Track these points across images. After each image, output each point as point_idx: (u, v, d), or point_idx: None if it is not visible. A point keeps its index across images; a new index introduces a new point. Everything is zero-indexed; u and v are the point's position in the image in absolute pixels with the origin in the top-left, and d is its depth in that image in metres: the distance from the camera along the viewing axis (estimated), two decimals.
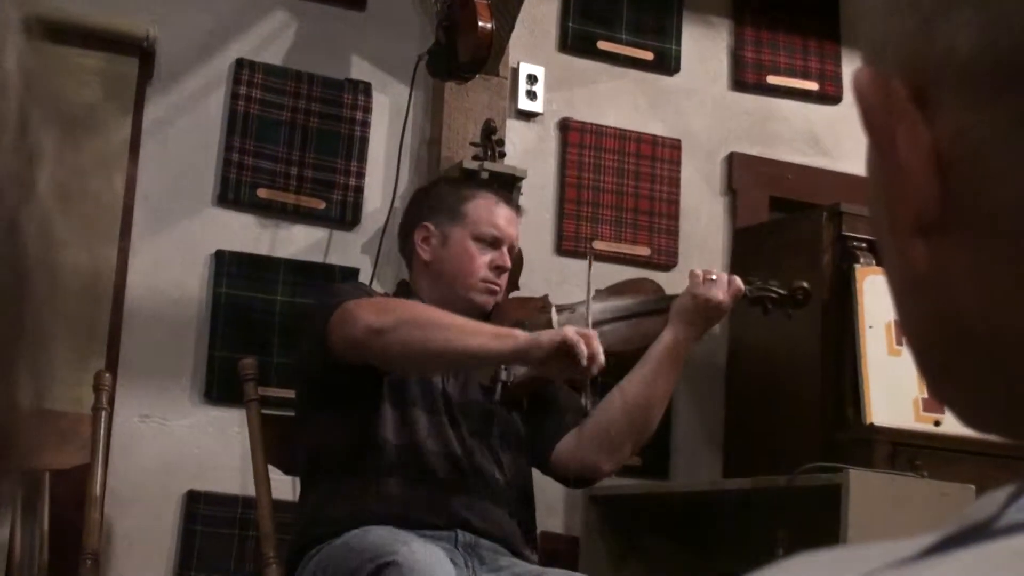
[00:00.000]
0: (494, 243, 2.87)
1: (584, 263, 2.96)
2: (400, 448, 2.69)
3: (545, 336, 2.53)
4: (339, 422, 2.72)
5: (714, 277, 2.79)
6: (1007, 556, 0.43)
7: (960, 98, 0.52)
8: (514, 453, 2.83)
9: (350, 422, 2.71)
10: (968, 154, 0.52)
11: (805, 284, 2.94)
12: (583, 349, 2.49)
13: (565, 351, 2.49)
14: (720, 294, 2.77)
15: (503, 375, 2.76)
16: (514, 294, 3.38)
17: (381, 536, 2.51)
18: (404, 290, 2.96)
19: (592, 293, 2.89)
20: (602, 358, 2.52)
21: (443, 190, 3.01)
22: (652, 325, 2.85)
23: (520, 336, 2.53)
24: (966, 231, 0.53)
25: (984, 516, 0.47)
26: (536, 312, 2.97)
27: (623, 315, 2.90)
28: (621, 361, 2.82)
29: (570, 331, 2.52)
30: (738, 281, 2.82)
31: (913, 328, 0.57)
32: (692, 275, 2.82)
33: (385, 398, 2.72)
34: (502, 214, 2.90)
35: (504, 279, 2.90)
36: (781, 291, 2.94)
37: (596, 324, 2.82)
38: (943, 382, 0.57)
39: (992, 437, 0.56)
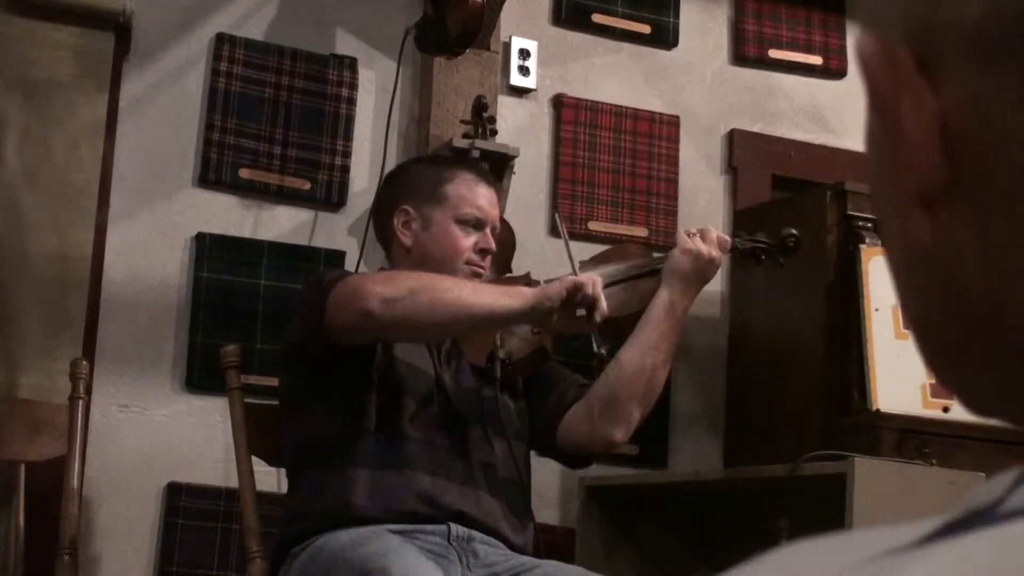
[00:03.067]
0: (477, 224, 2.87)
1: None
2: (389, 439, 2.70)
3: (552, 287, 2.62)
4: (326, 412, 2.72)
5: (696, 233, 2.84)
6: (1011, 541, 0.44)
7: (968, 66, 0.52)
8: (512, 440, 2.84)
9: (338, 412, 2.71)
10: (976, 122, 0.52)
11: (794, 231, 2.97)
12: (590, 290, 2.59)
13: (572, 297, 2.58)
14: (711, 249, 2.82)
15: (500, 353, 2.77)
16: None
17: (371, 549, 2.49)
18: None
19: (577, 264, 2.90)
20: (605, 305, 2.61)
21: (419, 170, 3.00)
22: (646, 287, 2.88)
23: (528, 291, 2.61)
24: (973, 202, 0.53)
25: (988, 500, 0.47)
26: None
27: (615, 280, 2.91)
28: (619, 326, 2.84)
29: (575, 276, 2.63)
30: (724, 235, 2.87)
31: (915, 307, 0.57)
32: (679, 234, 2.86)
33: (374, 387, 2.72)
34: (483, 194, 2.90)
35: (488, 261, 2.91)
36: (769, 240, 2.98)
37: None
38: (947, 365, 0.57)
39: (1000, 423, 0.56)
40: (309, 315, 2.65)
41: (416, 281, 2.61)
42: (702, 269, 2.84)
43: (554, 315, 2.60)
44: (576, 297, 2.59)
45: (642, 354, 2.81)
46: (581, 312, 2.60)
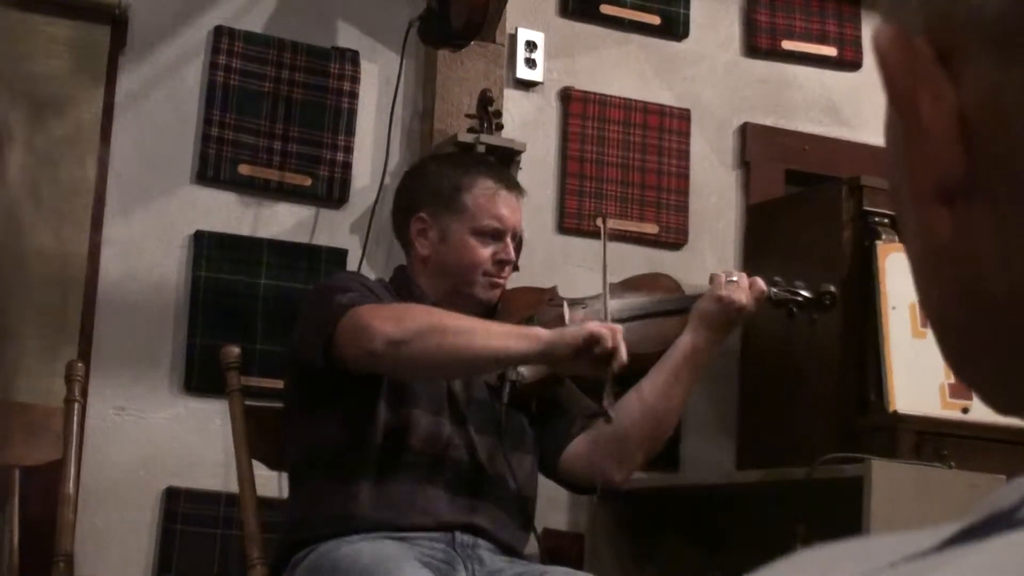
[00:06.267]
0: (496, 235, 2.86)
1: (598, 256, 2.96)
2: (396, 449, 2.70)
3: (569, 332, 2.59)
4: (333, 420, 2.71)
5: (736, 279, 2.80)
6: None
7: (988, 58, 0.52)
8: (521, 454, 2.84)
9: (345, 420, 2.71)
10: (996, 115, 0.52)
11: (832, 288, 2.95)
12: (609, 344, 2.55)
13: (590, 347, 2.55)
14: (743, 297, 2.78)
15: (511, 375, 2.77)
16: (515, 277, 3.38)
17: (373, 561, 2.50)
18: (402, 277, 2.95)
19: (608, 289, 2.89)
20: (625, 355, 2.58)
21: (438, 174, 2.96)
22: (671, 326, 2.86)
23: (543, 335, 2.58)
24: (993, 196, 0.53)
25: (1007, 505, 0.47)
26: (545, 305, 2.97)
27: (641, 314, 2.90)
28: (637, 363, 2.83)
29: (595, 325, 2.58)
30: (760, 283, 2.83)
31: (934, 303, 0.57)
32: (714, 277, 2.83)
33: (383, 396, 2.72)
34: (504, 203, 2.88)
35: (508, 271, 2.90)
36: (807, 294, 2.94)
37: (612, 322, 2.83)
38: (967, 361, 0.57)
39: (1021, 422, 0.56)
40: (315, 338, 2.64)
41: (426, 321, 2.59)
42: (732, 317, 2.81)
43: (569, 361, 2.60)
44: (595, 349, 2.56)
45: (655, 397, 2.79)
46: (598, 360, 2.58)
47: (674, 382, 2.79)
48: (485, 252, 2.85)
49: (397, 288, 2.88)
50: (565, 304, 2.96)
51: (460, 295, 2.85)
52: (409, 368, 2.62)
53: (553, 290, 3.05)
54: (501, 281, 2.88)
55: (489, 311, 2.88)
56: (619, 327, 2.61)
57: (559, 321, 2.90)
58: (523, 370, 2.79)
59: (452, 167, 3.02)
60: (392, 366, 2.61)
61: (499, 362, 2.66)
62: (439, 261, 2.87)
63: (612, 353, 2.56)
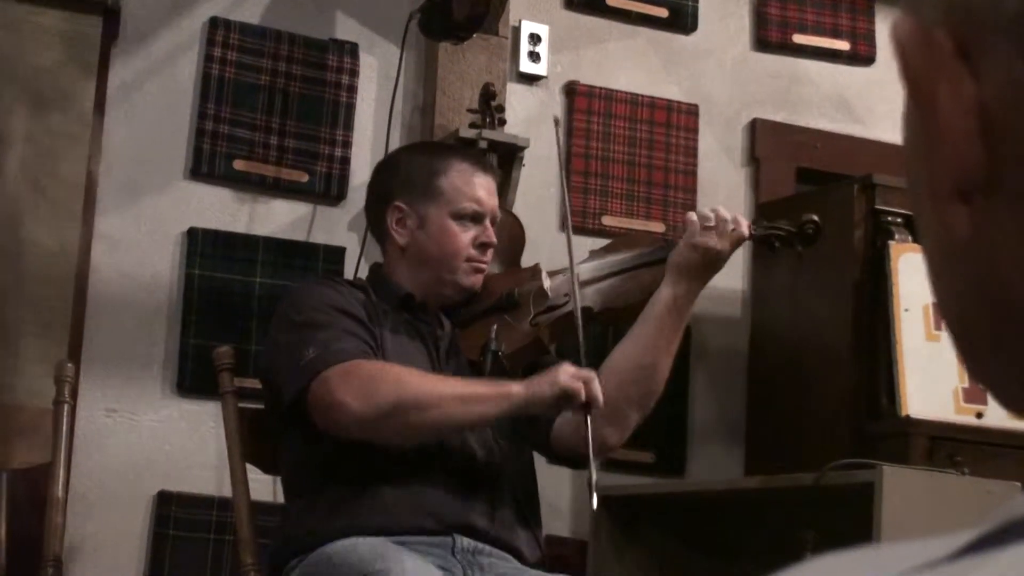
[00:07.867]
0: (475, 218, 2.86)
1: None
2: (387, 451, 2.69)
3: (544, 388, 2.61)
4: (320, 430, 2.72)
5: (712, 224, 2.78)
6: None
7: (1008, 52, 0.52)
8: (517, 443, 2.84)
9: None
10: (1017, 111, 0.52)
11: (815, 217, 2.92)
12: (582, 398, 2.58)
13: (565, 400, 2.60)
14: (719, 241, 2.77)
15: (493, 345, 2.77)
16: None
17: (370, 551, 2.51)
18: (377, 274, 2.95)
19: (582, 259, 2.90)
20: (601, 400, 2.61)
21: (410, 161, 2.97)
22: (650, 276, 2.86)
23: (516, 394, 2.61)
24: (1012, 194, 0.53)
25: (1023, 513, 0.47)
26: (526, 280, 2.97)
27: (618, 270, 2.90)
28: (622, 317, 2.84)
29: (567, 378, 2.59)
30: (742, 226, 2.80)
31: (951, 302, 0.57)
32: (688, 222, 2.81)
33: None
34: (480, 184, 2.88)
35: (489, 255, 2.89)
36: (789, 227, 2.92)
37: (590, 282, 2.85)
38: (983, 362, 0.57)
39: None
40: (286, 390, 2.67)
41: (396, 394, 2.61)
42: (709, 263, 2.80)
43: (547, 409, 2.68)
44: (571, 403, 2.60)
45: (641, 352, 2.78)
46: (576, 407, 2.63)
47: (658, 335, 2.78)
48: (466, 236, 2.85)
49: (374, 286, 2.88)
50: (544, 274, 2.96)
51: (443, 283, 2.85)
52: (383, 441, 2.66)
53: (535, 267, 3.04)
54: (484, 265, 2.88)
55: (470, 296, 2.89)
56: (592, 374, 2.62)
57: (540, 293, 2.91)
58: (505, 340, 2.80)
59: (423, 154, 3.04)
60: (365, 439, 2.65)
61: (475, 428, 2.72)
62: (419, 249, 2.86)
63: (589, 400, 2.59)
